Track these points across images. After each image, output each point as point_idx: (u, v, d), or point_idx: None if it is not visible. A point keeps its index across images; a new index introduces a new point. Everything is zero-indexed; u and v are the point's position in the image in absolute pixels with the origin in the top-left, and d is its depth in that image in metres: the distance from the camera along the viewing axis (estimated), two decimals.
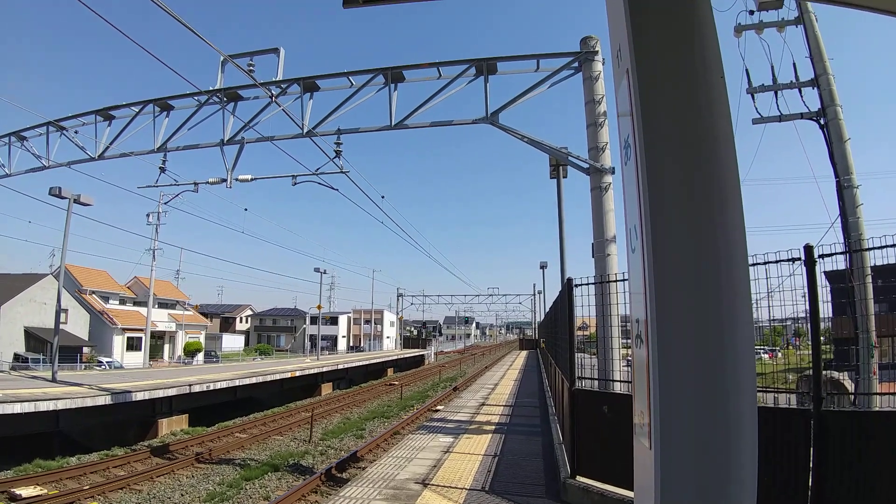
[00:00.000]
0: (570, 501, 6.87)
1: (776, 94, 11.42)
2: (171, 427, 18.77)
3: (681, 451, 1.57)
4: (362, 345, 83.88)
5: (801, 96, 11.19)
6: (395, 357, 52.55)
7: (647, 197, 1.59)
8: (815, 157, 11.67)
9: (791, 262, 5.09)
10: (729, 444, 1.57)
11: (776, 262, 5.12)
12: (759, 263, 5.15)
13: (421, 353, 63.45)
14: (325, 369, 32.90)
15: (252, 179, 17.14)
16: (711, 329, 1.59)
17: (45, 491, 11.10)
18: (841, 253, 5.28)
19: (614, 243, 11.02)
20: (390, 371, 47.38)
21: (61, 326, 22.03)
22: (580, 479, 6.97)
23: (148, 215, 39.29)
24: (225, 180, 16.02)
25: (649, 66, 1.67)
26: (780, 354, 11.82)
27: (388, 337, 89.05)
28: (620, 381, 7.87)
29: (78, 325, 42.43)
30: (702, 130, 1.62)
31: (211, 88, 14.50)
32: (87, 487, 11.32)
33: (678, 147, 1.62)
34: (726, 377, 1.58)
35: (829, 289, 6.85)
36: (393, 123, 13.36)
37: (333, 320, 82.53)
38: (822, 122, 10.71)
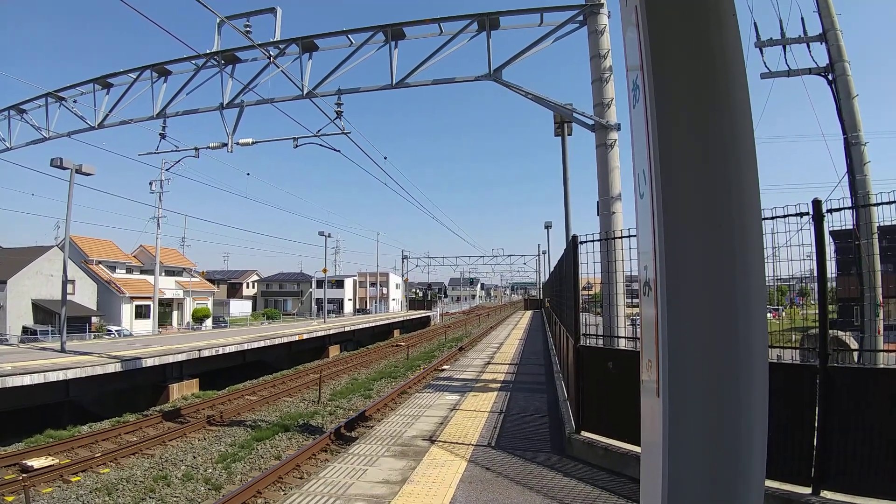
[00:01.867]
0: (575, 456, 6.97)
1: (784, 48, 11.22)
2: (182, 392, 19.05)
3: (690, 405, 1.53)
4: (368, 307, 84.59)
5: (810, 51, 10.99)
6: (402, 319, 53.00)
7: (657, 138, 1.51)
8: (824, 115, 11.45)
9: (799, 217, 5.01)
10: (739, 396, 1.54)
11: (784, 216, 5.04)
12: (766, 218, 5.06)
13: (426, 315, 63.98)
14: (332, 332, 33.24)
15: (253, 143, 16.96)
16: (723, 277, 1.54)
17: (58, 461, 11.19)
18: (849, 208, 5.19)
19: (620, 201, 10.92)
20: (397, 332, 47.86)
21: (69, 297, 22.14)
22: (585, 434, 7.05)
23: (151, 183, 39.15)
24: (226, 144, 15.86)
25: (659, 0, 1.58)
26: (783, 314, 11.82)
27: (393, 299, 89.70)
28: (625, 338, 7.89)
29: (85, 295, 42.78)
30: (714, 68, 1.54)
31: (208, 51, 14.21)
32: (100, 455, 11.46)
33: (689, 86, 1.53)
34: (738, 328, 1.54)
35: (833, 248, 6.78)
36: (394, 82, 13.10)
37: (339, 284, 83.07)
38: (830, 77, 10.52)
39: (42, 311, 39.02)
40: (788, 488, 4.77)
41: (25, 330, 34.82)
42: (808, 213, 4.93)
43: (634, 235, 1.84)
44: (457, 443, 7.79)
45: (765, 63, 11.33)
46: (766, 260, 5.40)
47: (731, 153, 1.56)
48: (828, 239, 5.07)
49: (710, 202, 1.54)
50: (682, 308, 1.53)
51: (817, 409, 4.74)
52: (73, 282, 37.99)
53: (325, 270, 47.35)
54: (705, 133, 1.54)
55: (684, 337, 1.54)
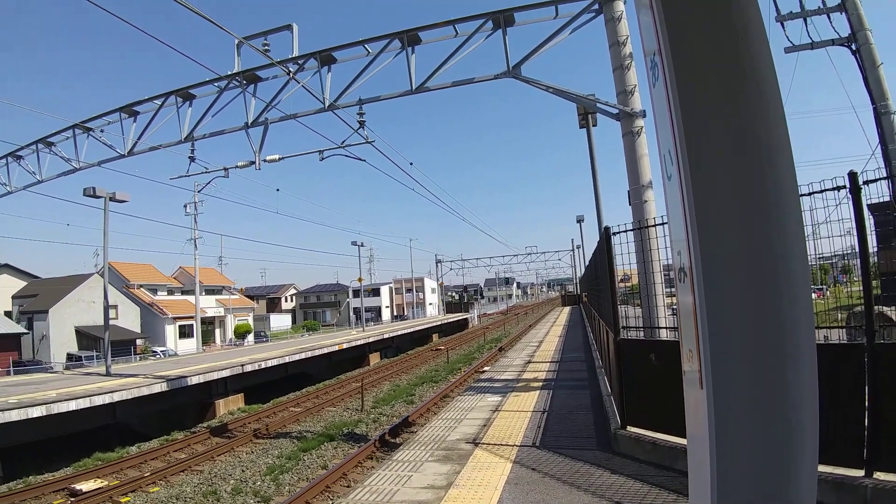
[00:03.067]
0: (621, 452, 6.82)
1: (805, 21, 10.95)
2: (228, 407, 19.41)
3: (735, 395, 1.46)
4: (406, 313, 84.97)
5: (831, 22, 10.74)
6: (439, 322, 53.09)
7: (680, 116, 1.44)
8: (852, 87, 11.13)
9: (836, 191, 4.83)
10: (787, 382, 1.45)
11: (820, 191, 4.87)
12: (802, 195, 4.89)
13: (464, 317, 63.93)
14: (371, 340, 33.48)
15: (280, 159, 17.19)
16: (762, 258, 1.45)
17: (107, 483, 11.35)
18: (885, 178, 4.98)
19: (651, 189, 10.71)
20: (435, 336, 47.94)
21: (112, 322, 22.74)
22: (631, 429, 6.89)
23: (185, 206, 40.10)
24: (253, 162, 16.14)
25: None
26: (827, 293, 11.42)
27: (430, 304, 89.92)
28: (666, 328, 7.70)
29: (128, 318, 43.97)
30: (734, 38, 1.45)
31: (230, 73, 14.49)
32: (149, 474, 11.65)
33: (710, 59, 1.46)
34: (782, 311, 1.45)
35: (872, 221, 6.51)
36: (414, 87, 13.13)
37: (375, 292, 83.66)
38: (853, 47, 10.21)
39: (86, 338, 40.19)
40: (840, 472, 4.64)
41: (70, 357, 35.80)
42: (844, 187, 4.75)
43: (666, 219, 1.76)
44: (500, 444, 7.72)
45: (787, 37, 11.10)
46: (810, 237, 5.22)
47: (760, 126, 1.48)
48: (866, 212, 4.88)
49: (743, 179, 1.46)
50: (721, 293, 1.46)
51: (866, 388, 4.59)
52: (115, 307, 39.09)
53: (360, 280, 47.74)
54: (731, 106, 1.46)
55: (725, 323, 1.46)
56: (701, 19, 1.52)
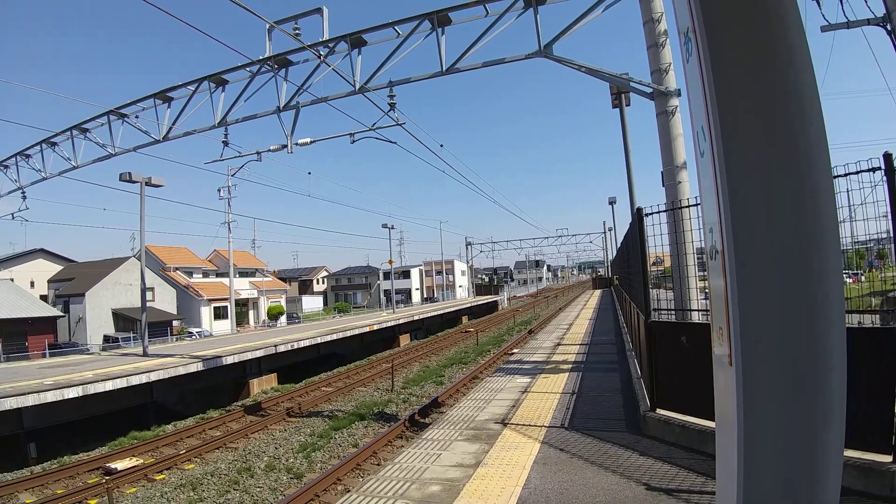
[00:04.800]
0: (650, 434, 6.80)
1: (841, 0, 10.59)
2: (262, 386, 19.90)
3: (764, 374, 1.45)
4: (436, 295, 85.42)
5: (866, 1, 10.31)
6: (469, 305, 53.26)
7: (713, 92, 1.42)
8: (887, 67, 10.77)
9: (871, 173, 4.69)
10: (817, 364, 1.44)
11: (855, 173, 4.73)
12: (837, 176, 4.76)
13: (494, 300, 63.99)
14: (401, 321, 33.80)
15: (312, 142, 17.36)
16: (794, 237, 1.44)
17: (142, 461, 11.65)
18: None
19: (685, 170, 10.50)
20: (465, 318, 48.12)
21: (149, 304, 23.36)
22: (660, 411, 6.86)
23: (219, 189, 40.78)
24: (286, 146, 16.29)
25: None
26: (862, 278, 11.10)
27: (460, 286, 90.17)
28: (698, 311, 7.60)
29: (165, 300, 45.17)
30: (767, 14, 1.43)
31: (261, 57, 14.59)
32: (184, 451, 12.01)
33: (743, 32, 1.44)
34: (813, 292, 1.44)
35: None
36: (444, 68, 13.05)
37: (406, 274, 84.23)
38: (888, 27, 9.84)
39: (122, 319, 41.44)
40: (868, 457, 4.58)
41: (106, 338, 36.83)
42: (880, 168, 4.61)
43: (699, 197, 1.75)
44: (529, 425, 7.76)
45: (823, 16, 10.76)
46: (841, 221, 5.10)
47: (794, 104, 1.45)
48: None
49: (775, 157, 1.44)
50: (752, 272, 1.45)
51: None
52: (151, 289, 40.13)
53: (391, 262, 48.12)
54: (764, 83, 1.43)
55: (755, 303, 1.45)
56: None
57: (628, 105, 14.61)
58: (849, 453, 4.60)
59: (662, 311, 7.59)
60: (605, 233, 70.14)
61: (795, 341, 1.47)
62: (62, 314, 39.37)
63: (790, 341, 1.46)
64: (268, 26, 14.03)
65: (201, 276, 54.38)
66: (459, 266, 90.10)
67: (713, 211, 1.53)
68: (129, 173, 20.21)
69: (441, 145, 21.98)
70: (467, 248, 76.07)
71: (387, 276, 57.18)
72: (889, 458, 4.49)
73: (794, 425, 1.48)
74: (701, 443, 5.95)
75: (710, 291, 1.69)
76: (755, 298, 1.46)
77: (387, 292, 62.88)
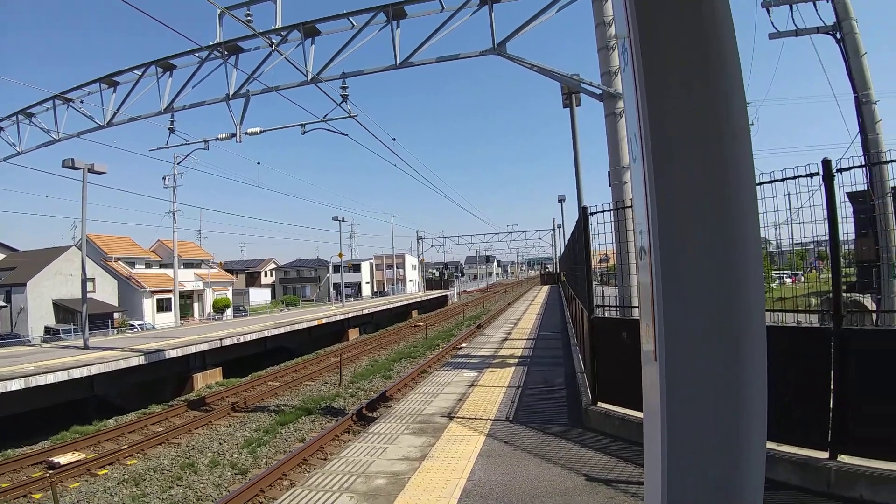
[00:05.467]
0: (592, 427, 7.01)
1: (791, 7, 11.06)
2: (206, 381, 19.40)
3: (687, 369, 1.53)
4: (386, 289, 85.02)
5: (816, 10, 10.87)
6: (419, 299, 53.27)
7: (645, 97, 1.49)
8: (836, 75, 11.28)
9: (809, 178, 4.93)
10: (738, 360, 1.53)
11: (794, 177, 4.97)
12: (776, 180, 5.01)
13: (444, 294, 64.21)
14: (350, 315, 33.52)
15: (261, 132, 17.02)
16: (717, 239, 1.52)
17: (84, 455, 11.31)
18: (859, 166, 5.08)
19: (630, 171, 10.81)
20: (415, 313, 48.11)
21: (90, 295, 22.49)
22: (601, 405, 7.08)
23: (164, 178, 39.48)
24: (234, 135, 15.92)
25: None
26: (802, 278, 11.69)
27: (410, 280, 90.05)
28: (639, 308, 7.85)
29: (106, 292, 43.47)
30: (701, 28, 1.50)
31: (211, 43, 14.18)
32: (126, 447, 11.65)
33: (677, 43, 1.50)
34: (735, 290, 1.52)
35: (851, 209, 6.67)
36: (398, 62, 12.98)
37: (356, 267, 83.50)
38: (837, 36, 10.33)
39: (63, 311, 39.68)
40: (805, 453, 4.77)
41: (48, 330, 35.36)
42: (818, 174, 4.84)
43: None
44: (475, 418, 7.87)
45: (772, 23, 11.17)
46: (782, 223, 5.33)
47: (723, 113, 1.53)
48: (844, 200, 4.99)
49: (702, 164, 1.52)
50: (676, 271, 1.52)
51: (832, 372, 4.69)
52: (92, 280, 38.58)
53: (340, 255, 47.60)
54: (694, 92, 1.51)
55: (680, 300, 1.52)
56: (670, 6, 1.56)
57: (578, 105, 14.92)
58: (787, 449, 4.80)
59: (606, 308, 7.82)
60: (553, 230, 71.38)
61: (718, 338, 1.55)
62: (4, 304, 37.42)
63: (712, 338, 1.54)
64: (219, 11, 13.66)
65: (144, 266, 52.52)
66: (410, 260, 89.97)
67: (642, 214, 1.60)
68: (72, 159, 19.41)
69: (394, 139, 21.88)
70: (418, 243, 76.04)
71: (336, 269, 56.55)
72: (825, 455, 4.68)
73: (716, 419, 1.56)
74: (639, 435, 6.15)
75: (640, 289, 1.77)
76: (679, 296, 1.53)
77: (336, 286, 62.19)
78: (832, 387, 4.69)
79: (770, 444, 4.70)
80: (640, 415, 6.29)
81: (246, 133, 16.13)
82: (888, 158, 5.36)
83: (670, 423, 1.53)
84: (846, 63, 10.17)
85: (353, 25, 13.35)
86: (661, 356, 1.55)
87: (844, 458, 4.61)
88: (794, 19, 11.03)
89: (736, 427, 1.55)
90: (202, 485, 9.62)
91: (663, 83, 1.53)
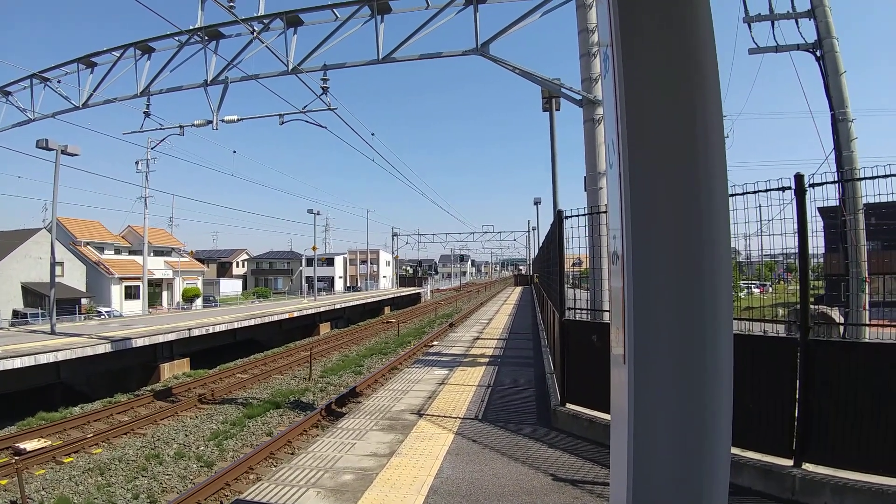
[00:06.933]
0: (560, 428, 7.09)
1: (773, 24, 11.25)
2: (174, 371, 19.11)
3: (655, 373, 1.56)
4: (359, 285, 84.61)
5: (798, 27, 11.05)
6: (392, 296, 53.14)
7: (624, 106, 1.52)
8: (813, 92, 11.49)
9: (781, 192, 5.04)
10: (705, 366, 1.57)
11: (766, 190, 5.08)
12: (749, 192, 5.11)
13: (417, 292, 64.18)
14: (322, 309, 33.30)
15: (239, 120, 16.78)
16: (689, 248, 1.56)
17: (50, 443, 11.14)
18: (832, 182, 5.22)
19: (606, 177, 10.92)
20: (387, 309, 48.00)
21: (58, 279, 21.96)
22: (570, 406, 7.17)
23: (137, 163, 38.55)
24: (211, 122, 15.69)
25: None
26: (770, 289, 11.97)
27: (384, 276, 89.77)
28: (610, 312, 7.95)
29: (74, 277, 42.38)
30: (684, 35, 1.54)
31: (191, 27, 13.95)
32: (92, 435, 11.46)
33: (658, 54, 1.54)
34: (704, 298, 1.56)
35: (823, 224, 6.85)
36: (380, 57, 12.93)
37: (330, 262, 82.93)
38: (818, 54, 10.56)
39: (32, 295, 38.60)
40: (770, 460, 4.86)
41: (16, 313, 34.43)
42: (790, 188, 4.96)
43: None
44: (444, 416, 7.90)
45: (753, 38, 11.36)
46: (752, 234, 5.43)
47: (699, 125, 1.57)
48: (815, 214, 5.11)
49: (677, 173, 1.56)
50: (648, 277, 1.55)
51: (798, 381, 4.79)
52: (61, 264, 37.55)
53: (314, 248, 47.25)
54: (673, 103, 1.55)
55: (649, 305, 1.56)
56: (652, 17, 1.60)
57: (558, 110, 15.05)
58: (752, 455, 4.90)
59: (577, 311, 7.91)
60: (528, 231, 71.83)
61: (686, 343, 1.58)
62: None
63: (681, 343, 1.58)
64: None
65: (113, 252, 51.28)
66: (384, 256, 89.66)
67: (617, 219, 1.64)
68: (46, 140, 18.99)
69: (372, 134, 21.86)
70: (393, 239, 75.81)
71: (310, 262, 56.10)
72: (790, 463, 4.78)
73: (682, 423, 1.59)
74: (607, 437, 6.22)
75: (611, 294, 1.81)
76: (650, 301, 1.57)
77: (309, 279, 61.68)
78: (797, 396, 4.80)
79: (735, 450, 4.81)
80: (607, 417, 6.39)
81: (223, 120, 15.91)
82: (862, 175, 5.49)
83: (637, 425, 1.57)
84: (824, 81, 10.38)
85: (337, 17, 13.24)
86: (629, 360, 1.58)
87: (809, 467, 4.71)
88: (774, 36, 11.24)
89: (702, 431, 1.59)
90: (167, 476, 9.47)
91: (643, 92, 1.56)
